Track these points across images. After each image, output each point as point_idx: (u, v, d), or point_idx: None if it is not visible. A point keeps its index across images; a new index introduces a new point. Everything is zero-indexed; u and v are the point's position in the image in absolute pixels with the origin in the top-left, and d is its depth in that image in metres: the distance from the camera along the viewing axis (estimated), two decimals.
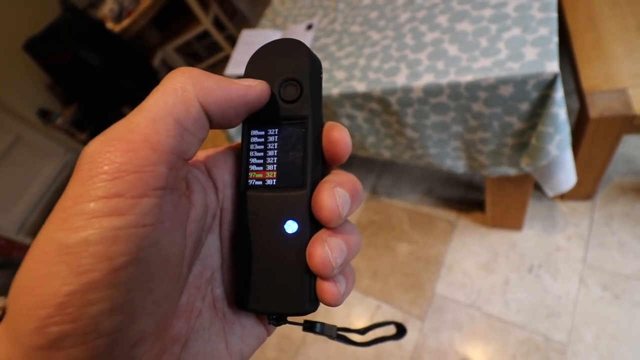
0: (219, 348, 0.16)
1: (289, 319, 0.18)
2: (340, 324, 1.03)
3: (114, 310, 0.11)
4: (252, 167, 0.17)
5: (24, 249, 1.97)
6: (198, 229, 0.16)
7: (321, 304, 0.17)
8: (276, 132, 0.17)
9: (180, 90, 0.13)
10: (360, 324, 1.01)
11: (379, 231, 1.15)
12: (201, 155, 0.18)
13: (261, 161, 0.17)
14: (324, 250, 0.15)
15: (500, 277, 0.93)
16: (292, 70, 0.17)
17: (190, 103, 0.14)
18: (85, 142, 2.18)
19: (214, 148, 0.19)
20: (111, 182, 0.11)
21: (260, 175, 0.17)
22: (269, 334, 0.18)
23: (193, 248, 0.15)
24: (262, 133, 0.17)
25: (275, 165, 0.17)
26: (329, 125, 0.17)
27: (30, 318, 0.11)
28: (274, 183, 0.17)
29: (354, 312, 1.04)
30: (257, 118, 0.17)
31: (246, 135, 0.17)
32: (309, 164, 0.16)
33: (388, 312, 1.00)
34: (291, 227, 0.16)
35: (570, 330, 0.81)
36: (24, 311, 0.11)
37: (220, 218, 0.17)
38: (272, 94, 0.17)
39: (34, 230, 2.17)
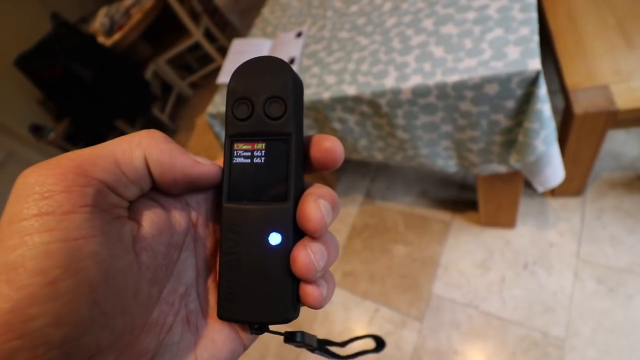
0: None
1: (271, 327, 0.18)
2: (338, 328, 1.02)
3: (59, 322, 0.12)
4: (235, 181, 0.18)
5: None
6: (157, 245, 0.16)
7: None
8: (260, 147, 0.17)
9: (134, 142, 0.15)
10: (359, 327, 1.01)
11: (374, 234, 1.16)
12: None
13: (244, 175, 0.17)
14: (307, 254, 0.16)
15: (496, 275, 0.94)
16: (276, 88, 0.17)
17: (135, 154, 0.15)
18: None
19: None
20: (42, 201, 0.12)
21: (243, 188, 0.17)
22: (245, 348, 0.18)
23: (154, 265, 0.16)
24: (246, 147, 0.18)
25: (258, 179, 0.17)
26: (319, 136, 0.18)
27: None
28: (258, 196, 0.17)
29: (352, 316, 1.03)
30: (240, 132, 0.18)
31: (228, 149, 0.18)
32: (292, 178, 0.17)
33: (386, 315, 0.99)
34: (275, 239, 0.17)
35: (567, 325, 0.81)
36: None
37: (195, 235, 0.18)
38: (256, 110, 0.17)
39: None
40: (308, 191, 0.17)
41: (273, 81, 0.17)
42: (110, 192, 0.14)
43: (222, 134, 0.98)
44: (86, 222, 0.13)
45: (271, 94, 0.17)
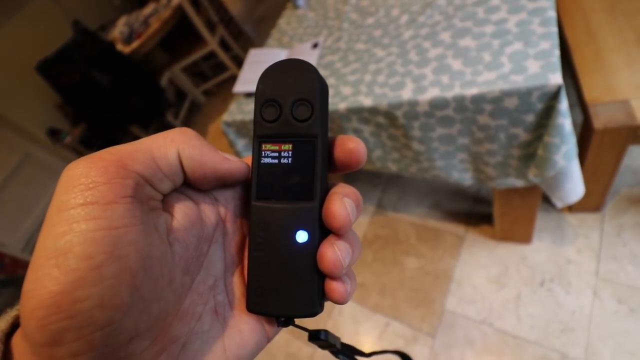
0: (217, 351, 0.17)
1: (296, 321, 0.19)
2: (347, 341, 1.00)
3: (103, 305, 0.13)
4: (264, 180, 0.18)
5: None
6: (189, 237, 0.17)
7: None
8: (287, 148, 0.18)
9: (169, 139, 0.16)
10: (369, 341, 0.99)
11: (386, 246, 1.15)
12: None
13: (272, 174, 0.18)
14: (335, 252, 0.17)
15: (512, 291, 0.91)
16: (303, 91, 0.18)
17: (169, 150, 0.16)
18: None
19: None
20: (87, 192, 0.13)
21: (271, 188, 0.18)
22: (269, 340, 0.19)
23: (186, 255, 0.16)
24: (274, 148, 0.18)
25: (285, 179, 0.18)
26: (343, 138, 0.18)
27: (32, 319, 0.12)
28: (285, 195, 0.18)
29: (362, 329, 1.01)
30: (268, 134, 0.18)
31: (257, 150, 0.18)
32: (317, 178, 0.17)
33: (397, 329, 0.97)
34: (301, 236, 0.17)
35: (587, 346, 0.79)
36: (27, 313, 0.12)
37: (224, 229, 0.19)
38: (283, 113, 0.18)
39: None
40: (333, 190, 0.18)
41: (300, 84, 0.18)
42: (147, 184, 0.15)
43: (236, 142, 0.98)
44: (127, 212, 0.14)
45: (298, 97, 0.18)
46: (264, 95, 0.18)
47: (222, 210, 0.19)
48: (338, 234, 0.17)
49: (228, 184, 0.18)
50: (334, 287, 0.17)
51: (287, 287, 0.17)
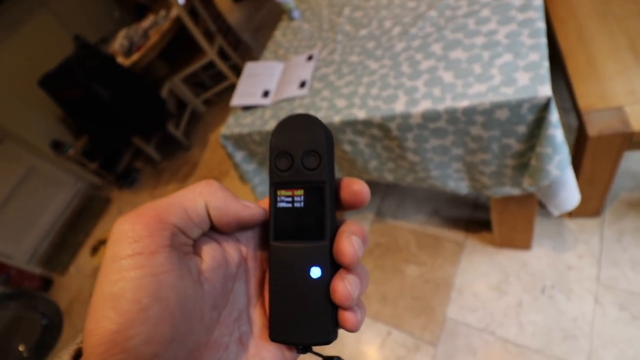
0: None
1: (314, 348, 0.21)
2: (350, 350, 1.01)
3: (149, 341, 0.15)
4: (280, 223, 0.20)
5: (34, 279, 1.98)
6: (216, 276, 0.19)
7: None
8: (299, 194, 0.20)
9: (197, 192, 0.19)
10: (371, 350, 0.99)
11: (386, 253, 1.15)
12: None
13: (287, 217, 0.20)
14: (345, 286, 0.19)
15: (513, 298, 0.91)
16: (312, 144, 0.20)
17: (198, 202, 0.18)
18: (95, 172, 2.23)
19: None
20: (134, 244, 0.16)
21: (286, 229, 0.20)
22: None
23: (214, 293, 0.18)
24: (287, 194, 0.20)
25: (299, 221, 0.20)
26: (348, 180, 0.21)
27: (93, 354, 0.14)
28: (299, 235, 0.20)
29: (364, 339, 1.01)
30: (282, 181, 0.20)
31: (273, 196, 0.21)
32: (327, 219, 0.20)
33: (399, 338, 0.97)
34: (315, 272, 0.19)
35: (589, 354, 0.78)
36: (90, 349, 0.15)
37: (246, 267, 0.21)
38: (295, 163, 0.20)
39: (44, 259, 2.19)
40: (341, 229, 0.20)
41: (308, 137, 0.20)
42: (181, 233, 0.18)
43: (234, 154, 1.00)
44: (167, 260, 0.16)
45: (308, 149, 0.20)
46: (277, 148, 0.21)
47: (243, 249, 0.21)
48: (347, 269, 0.19)
49: (248, 227, 0.21)
50: (346, 316, 0.19)
51: (305, 318, 0.19)
